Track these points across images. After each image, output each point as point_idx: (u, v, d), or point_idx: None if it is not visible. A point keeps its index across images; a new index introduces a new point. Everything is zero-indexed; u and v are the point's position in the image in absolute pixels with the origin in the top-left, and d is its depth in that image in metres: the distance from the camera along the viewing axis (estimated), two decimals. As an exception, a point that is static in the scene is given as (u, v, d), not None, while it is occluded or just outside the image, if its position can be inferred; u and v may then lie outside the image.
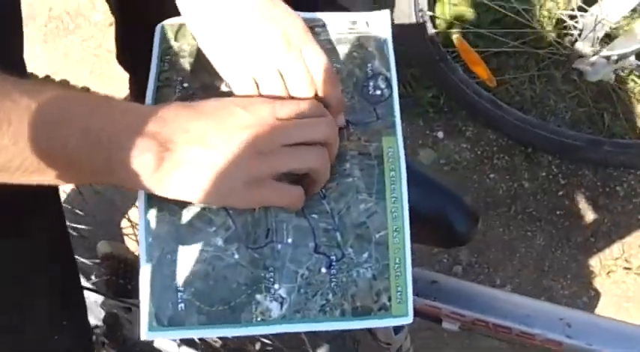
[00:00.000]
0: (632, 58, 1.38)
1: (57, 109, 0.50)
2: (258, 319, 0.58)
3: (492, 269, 1.61)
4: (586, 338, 0.61)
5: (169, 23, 0.67)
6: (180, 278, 0.59)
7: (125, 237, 1.41)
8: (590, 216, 1.65)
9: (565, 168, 1.69)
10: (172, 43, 0.66)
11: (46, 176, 0.52)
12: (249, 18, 0.58)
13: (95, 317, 1.14)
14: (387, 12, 0.67)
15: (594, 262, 1.62)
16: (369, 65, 0.65)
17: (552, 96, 1.72)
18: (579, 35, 1.42)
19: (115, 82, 1.67)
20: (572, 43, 1.44)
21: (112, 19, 0.79)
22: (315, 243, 0.59)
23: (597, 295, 1.60)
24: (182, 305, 0.59)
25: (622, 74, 1.65)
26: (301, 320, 0.59)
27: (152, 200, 0.59)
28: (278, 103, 0.58)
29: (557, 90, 1.72)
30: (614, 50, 1.36)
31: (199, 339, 1.20)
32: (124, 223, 1.43)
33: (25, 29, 0.66)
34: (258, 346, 1.26)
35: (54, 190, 0.71)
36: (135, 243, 1.27)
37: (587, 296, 1.59)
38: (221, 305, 0.59)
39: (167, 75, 0.64)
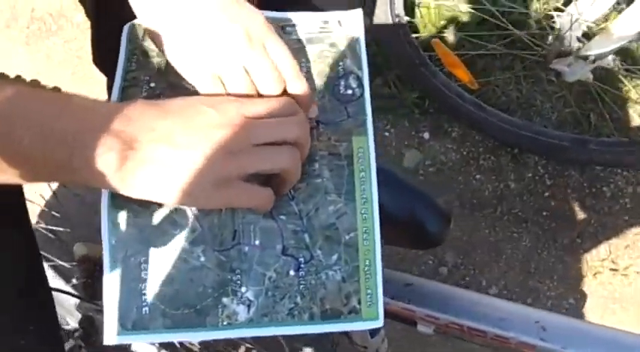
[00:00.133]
0: (610, 57, 1.37)
1: (12, 105, 0.49)
2: (225, 323, 0.57)
3: (478, 270, 1.60)
4: (560, 341, 0.60)
5: (138, 22, 0.65)
6: (145, 281, 0.57)
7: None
8: (576, 217, 1.65)
9: (551, 169, 1.68)
10: (140, 42, 0.64)
11: (4, 174, 0.51)
12: (208, 16, 0.57)
13: (75, 320, 1.13)
14: (359, 11, 0.66)
15: (581, 263, 1.61)
16: (341, 64, 0.63)
17: (539, 96, 1.71)
18: (556, 36, 1.42)
19: (98, 84, 1.64)
20: (549, 44, 1.43)
21: (95, 21, 0.78)
22: (283, 244, 0.58)
23: (583, 296, 1.59)
24: (146, 308, 0.57)
25: (606, 73, 1.64)
26: (269, 324, 0.58)
27: (116, 200, 0.58)
28: (247, 102, 0.57)
29: (544, 91, 1.71)
30: (591, 50, 1.35)
31: (179, 343, 1.19)
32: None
33: (7, 31, 0.64)
34: (242, 350, 1.25)
35: (18, 190, 0.70)
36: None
37: (573, 298, 1.58)
38: (186, 308, 0.57)
39: (134, 74, 0.63)
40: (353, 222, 0.58)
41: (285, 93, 0.59)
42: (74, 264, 1.13)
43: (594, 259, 1.61)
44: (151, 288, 0.57)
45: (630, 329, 1.47)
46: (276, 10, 0.64)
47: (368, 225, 0.58)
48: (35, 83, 0.64)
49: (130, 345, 1.12)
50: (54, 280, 1.28)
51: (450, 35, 1.70)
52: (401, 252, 1.58)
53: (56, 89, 0.57)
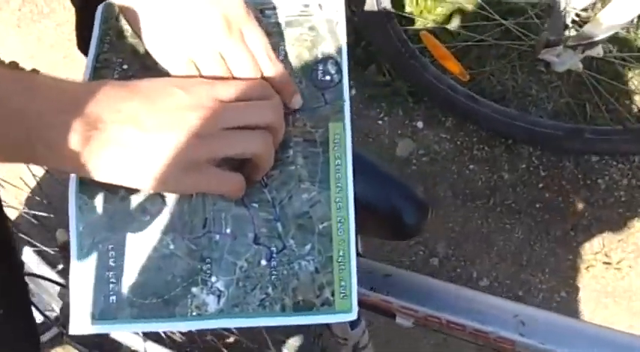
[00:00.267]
0: (600, 46, 1.35)
1: None
2: (194, 313, 0.56)
3: (469, 262, 1.59)
4: (540, 337, 0.59)
5: (113, 2, 0.63)
6: (112, 269, 0.56)
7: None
8: (570, 209, 1.63)
9: (546, 160, 1.66)
10: (115, 22, 0.62)
11: None
12: None
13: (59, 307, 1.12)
14: None
15: (573, 256, 1.60)
16: (320, 48, 0.61)
17: (534, 86, 1.69)
18: (544, 25, 1.40)
19: (89, 67, 1.63)
20: (538, 34, 1.41)
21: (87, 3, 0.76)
22: (255, 233, 0.56)
23: (576, 290, 1.57)
24: (114, 297, 0.56)
25: (602, 63, 1.63)
26: (239, 315, 0.56)
27: (84, 186, 0.56)
28: (219, 84, 0.55)
29: (540, 81, 1.69)
30: (580, 40, 1.33)
31: (164, 333, 1.18)
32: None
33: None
34: (230, 340, 1.24)
35: None
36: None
37: (565, 291, 1.57)
38: (155, 298, 0.56)
39: (106, 56, 0.61)
40: (327, 211, 0.56)
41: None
42: (56, 250, 1.12)
43: (587, 252, 1.60)
44: (119, 277, 0.56)
45: (622, 324, 1.47)
46: None
47: (342, 214, 0.56)
48: (13, 65, 0.62)
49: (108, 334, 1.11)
50: (39, 266, 1.27)
51: (426, 29, 1.68)
52: (391, 242, 1.57)
53: (34, 71, 0.55)
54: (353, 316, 0.56)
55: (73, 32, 0.82)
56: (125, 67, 0.60)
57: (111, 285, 0.56)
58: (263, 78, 0.57)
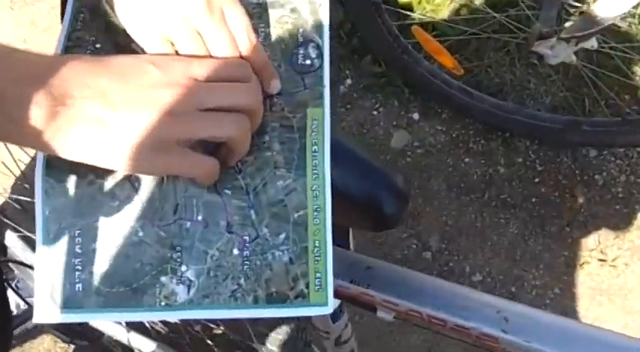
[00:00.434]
0: (593, 39, 1.32)
1: None
2: (162, 303, 0.53)
3: (462, 256, 1.57)
4: (524, 334, 0.56)
5: None
6: (79, 256, 0.54)
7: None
8: (566, 204, 1.61)
9: (543, 155, 1.64)
10: (88, 0, 0.60)
11: None
12: None
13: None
14: None
15: (568, 253, 1.58)
16: (301, 31, 0.59)
17: (533, 80, 1.67)
18: (537, 17, 1.37)
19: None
20: (530, 26, 1.39)
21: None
22: (227, 221, 0.54)
23: (570, 287, 1.56)
24: (80, 285, 0.53)
25: (601, 56, 1.60)
26: (210, 306, 0.54)
27: (51, 169, 0.54)
28: (196, 62, 0.52)
29: (538, 74, 1.67)
30: (574, 32, 1.30)
31: (150, 326, 1.16)
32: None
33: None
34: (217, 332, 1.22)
35: None
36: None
37: (559, 288, 1.55)
38: (122, 286, 0.53)
39: (79, 34, 0.58)
40: (303, 200, 0.54)
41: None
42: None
43: (582, 249, 1.58)
44: (86, 264, 0.53)
45: (616, 322, 1.45)
46: None
47: (319, 203, 0.54)
48: None
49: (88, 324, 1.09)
50: (24, 252, 1.25)
51: (417, 22, 1.65)
52: (382, 235, 1.55)
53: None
54: (328, 310, 0.54)
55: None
56: (98, 46, 0.58)
57: (77, 273, 0.53)
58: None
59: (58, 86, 0.47)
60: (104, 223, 0.54)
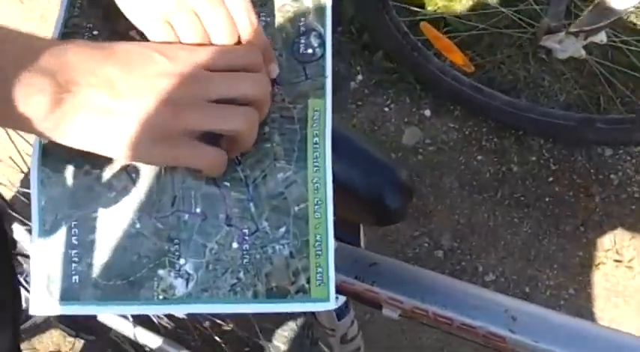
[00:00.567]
0: (602, 33, 1.29)
1: None
2: (160, 297, 0.52)
3: (475, 255, 1.55)
4: (532, 333, 0.55)
5: None
6: (75, 247, 0.53)
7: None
8: (581, 204, 1.59)
9: (557, 153, 1.61)
10: None
11: None
12: None
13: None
14: None
15: (583, 253, 1.55)
16: (303, 20, 0.57)
17: (547, 77, 1.64)
18: (545, 12, 1.35)
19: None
20: (539, 20, 1.36)
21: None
22: (227, 214, 0.53)
23: (584, 287, 1.53)
24: (76, 277, 0.53)
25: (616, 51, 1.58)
26: (209, 301, 0.53)
27: (47, 159, 0.53)
28: (204, 51, 0.51)
29: (552, 72, 1.64)
30: (583, 26, 1.27)
31: (157, 321, 1.15)
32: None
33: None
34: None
35: None
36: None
37: (573, 288, 1.52)
38: (119, 279, 0.52)
39: (75, 21, 0.57)
40: (303, 192, 0.53)
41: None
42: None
43: (598, 249, 1.55)
44: (82, 256, 0.53)
45: (631, 324, 1.42)
46: None
47: (320, 196, 0.52)
48: None
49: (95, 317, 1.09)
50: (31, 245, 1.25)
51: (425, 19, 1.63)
52: (394, 232, 1.53)
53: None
54: (330, 305, 0.53)
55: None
56: (95, 33, 0.57)
57: (73, 265, 0.53)
58: (239, 42, 0.53)
59: (62, 73, 0.46)
60: (101, 214, 0.53)
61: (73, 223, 0.53)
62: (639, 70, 1.59)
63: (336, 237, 0.53)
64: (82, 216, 0.53)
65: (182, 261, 0.52)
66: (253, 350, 1.25)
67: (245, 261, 0.52)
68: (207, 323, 1.19)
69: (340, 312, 0.76)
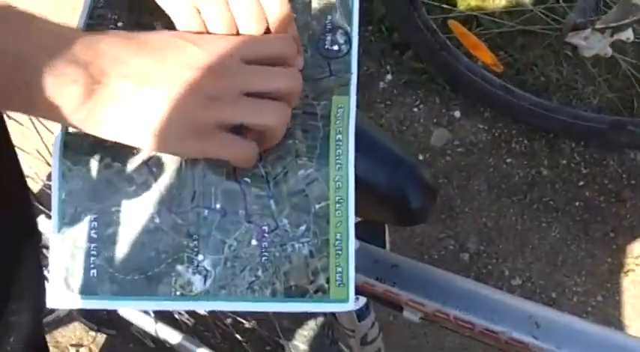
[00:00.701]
0: (629, 31, 1.26)
1: None
2: (178, 293, 0.52)
3: (502, 259, 1.53)
4: (556, 341, 0.53)
5: None
6: (94, 241, 0.52)
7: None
8: (611, 209, 1.56)
9: (588, 157, 1.59)
10: None
11: None
12: None
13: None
14: None
15: (612, 259, 1.52)
16: (329, 17, 0.57)
17: (580, 79, 1.61)
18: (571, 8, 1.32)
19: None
20: (564, 16, 1.33)
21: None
22: (246, 210, 0.52)
23: (613, 295, 1.50)
24: (94, 271, 0.52)
25: None
26: (226, 298, 0.52)
27: (68, 151, 0.52)
28: (237, 40, 0.50)
29: (586, 74, 1.61)
30: (609, 22, 1.24)
31: (179, 318, 1.15)
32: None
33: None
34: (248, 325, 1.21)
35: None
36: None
37: (601, 295, 1.50)
38: (137, 274, 0.52)
39: (101, 12, 0.57)
40: (325, 190, 0.52)
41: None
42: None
43: (627, 256, 1.53)
44: (101, 249, 0.52)
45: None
46: None
47: (341, 194, 0.52)
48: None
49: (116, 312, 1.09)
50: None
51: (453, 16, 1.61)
52: (419, 234, 1.52)
53: (4, 6, 0.51)
54: (349, 306, 0.52)
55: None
56: (120, 24, 0.56)
57: (92, 258, 0.52)
58: (268, 31, 0.52)
59: (94, 63, 0.46)
60: (121, 208, 0.52)
61: (93, 216, 0.52)
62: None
63: (359, 237, 0.52)
64: (102, 209, 0.52)
65: (200, 257, 0.52)
66: (274, 349, 1.24)
67: (264, 258, 0.52)
68: (228, 321, 1.19)
69: (361, 313, 0.75)
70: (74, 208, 0.52)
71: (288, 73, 0.51)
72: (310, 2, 0.57)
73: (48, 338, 1.39)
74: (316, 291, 0.52)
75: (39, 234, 1.09)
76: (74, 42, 0.46)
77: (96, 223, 0.52)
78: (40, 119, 0.97)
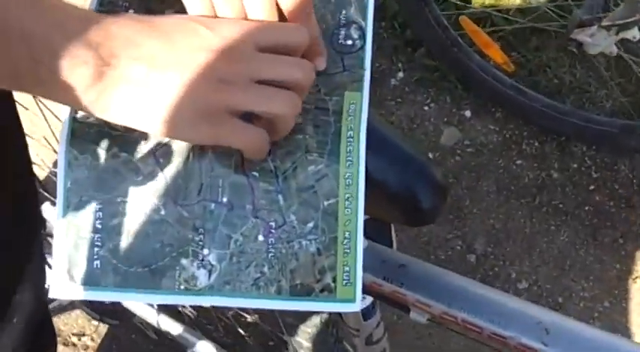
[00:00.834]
0: (635, 29, 1.24)
1: None
2: (182, 287, 0.51)
3: (509, 262, 1.51)
4: (565, 348, 0.52)
5: None
6: (99, 231, 0.51)
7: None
8: (621, 215, 1.54)
9: (599, 161, 1.57)
10: None
11: None
12: None
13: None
14: None
15: (620, 265, 1.51)
16: (343, 12, 0.55)
17: (593, 83, 1.60)
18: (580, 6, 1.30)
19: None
20: (570, 12, 1.32)
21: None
22: (254, 205, 0.51)
23: (620, 301, 1.49)
24: (98, 262, 0.51)
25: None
26: (230, 294, 0.51)
27: (75, 139, 0.51)
28: (251, 25, 0.48)
29: (600, 78, 1.60)
30: (615, 19, 1.22)
31: (181, 311, 1.14)
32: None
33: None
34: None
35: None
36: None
37: (608, 301, 1.48)
38: (140, 266, 0.51)
39: None
40: (334, 187, 0.51)
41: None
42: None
43: (636, 262, 1.51)
44: (105, 240, 0.51)
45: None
46: None
47: (351, 191, 0.50)
48: None
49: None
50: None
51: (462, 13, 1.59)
52: (426, 233, 1.50)
53: None
54: (355, 307, 0.51)
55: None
56: (131, 11, 0.55)
57: (96, 249, 0.51)
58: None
59: (104, 45, 0.44)
60: (126, 199, 0.51)
61: (98, 206, 0.51)
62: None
63: (366, 236, 0.51)
64: (107, 199, 0.51)
65: (206, 251, 0.51)
66: (277, 345, 1.23)
67: (270, 254, 0.51)
68: (231, 314, 1.18)
69: (366, 313, 0.74)
70: (79, 197, 0.51)
71: (300, 63, 0.49)
72: None
73: (50, 326, 1.38)
74: (322, 290, 0.51)
75: (43, 221, 1.09)
76: (85, 22, 0.45)
77: (101, 213, 0.51)
78: (49, 107, 0.97)
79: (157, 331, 1.17)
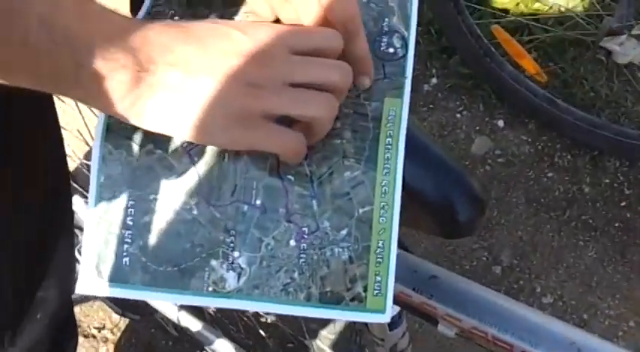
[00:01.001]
0: None
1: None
2: (210, 289, 0.50)
3: (534, 275, 1.49)
4: (598, 370, 0.51)
5: None
6: (129, 228, 0.51)
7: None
8: (652, 233, 1.51)
9: (632, 178, 1.55)
10: None
11: (6, 74, 0.44)
12: None
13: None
14: None
15: (648, 284, 1.48)
16: (386, 20, 0.55)
17: (630, 97, 1.57)
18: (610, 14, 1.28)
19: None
20: (601, 21, 1.29)
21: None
22: (287, 209, 0.50)
23: (646, 321, 1.46)
24: (127, 259, 0.51)
25: None
26: (259, 298, 0.50)
27: (110, 134, 0.51)
28: (288, 29, 0.48)
29: (636, 92, 1.57)
30: None
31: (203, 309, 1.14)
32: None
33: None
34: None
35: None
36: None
37: (634, 321, 1.45)
38: (170, 266, 0.51)
39: (159, 9, 0.56)
40: (370, 195, 0.50)
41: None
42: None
43: (665, 282, 1.48)
44: (135, 237, 0.51)
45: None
46: None
47: (387, 200, 0.49)
48: None
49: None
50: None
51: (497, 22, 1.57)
52: (453, 242, 1.49)
53: None
54: (385, 318, 0.50)
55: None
56: (176, 18, 0.55)
57: (125, 246, 0.51)
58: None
59: (142, 51, 0.44)
60: (158, 196, 0.51)
61: (130, 203, 0.51)
62: None
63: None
64: (140, 196, 0.51)
65: (236, 254, 0.50)
66: (296, 348, 1.23)
67: (301, 260, 0.50)
68: (251, 314, 1.17)
69: (393, 322, 0.73)
70: (112, 193, 0.51)
71: (337, 65, 0.49)
72: (369, 2, 0.55)
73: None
74: (352, 299, 0.50)
75: (72, 214, 1.09)
76: (125, 28, 0.45)
77: (133, 210, 0.51)
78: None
79: (177, 327, 1.17)
